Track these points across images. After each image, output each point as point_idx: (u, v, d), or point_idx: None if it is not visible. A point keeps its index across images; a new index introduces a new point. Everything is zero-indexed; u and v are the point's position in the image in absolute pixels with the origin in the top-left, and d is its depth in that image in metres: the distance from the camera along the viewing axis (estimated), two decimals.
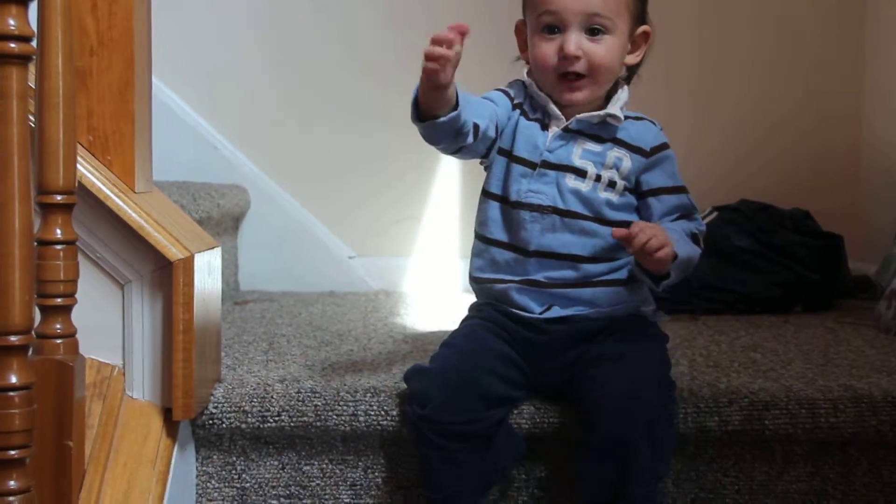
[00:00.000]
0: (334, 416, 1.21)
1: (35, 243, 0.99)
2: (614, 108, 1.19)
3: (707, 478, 1.23)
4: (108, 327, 1.16)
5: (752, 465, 1.23)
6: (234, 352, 1.42)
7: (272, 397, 1.21)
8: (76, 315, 1.04)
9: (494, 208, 1.21)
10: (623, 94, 1.21)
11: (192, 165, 2.05)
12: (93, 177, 1.12)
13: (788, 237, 1.92)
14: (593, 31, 1.16)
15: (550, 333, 1.18)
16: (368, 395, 1.21)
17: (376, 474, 1.24)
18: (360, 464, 1.24)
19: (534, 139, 1.19)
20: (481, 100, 1.20)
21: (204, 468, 1.23)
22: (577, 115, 1.18)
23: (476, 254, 1.24)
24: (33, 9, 0.87)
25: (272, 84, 2.17)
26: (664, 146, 1.21)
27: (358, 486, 1.24)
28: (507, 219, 1.20)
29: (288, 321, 1.73)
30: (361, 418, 1.21)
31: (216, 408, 1.20)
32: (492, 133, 1.18)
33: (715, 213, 1.97)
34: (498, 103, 1.20)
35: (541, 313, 1.18)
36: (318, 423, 1.21)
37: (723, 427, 1.20)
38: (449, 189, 2.19)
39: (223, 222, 1.94)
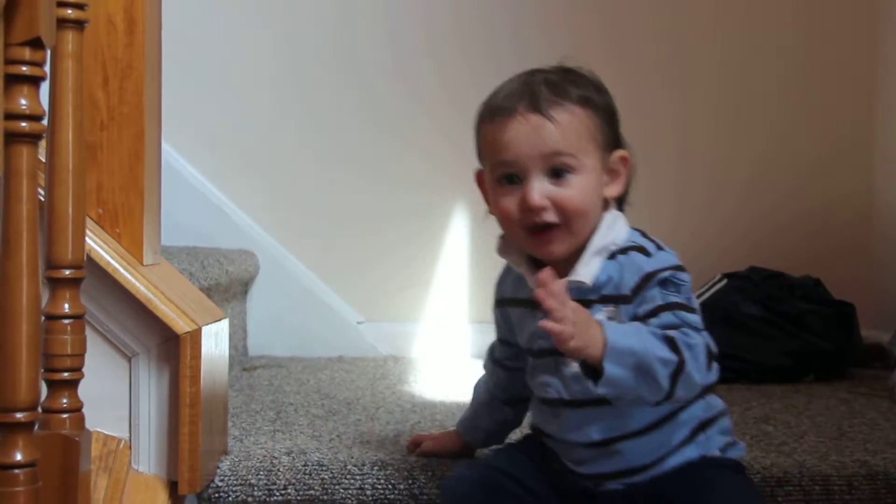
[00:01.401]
0: (341, 490, 1.19)
1: (43, 318, 1.00)
2: (578, 267, 1.01)
3: None
4: (114, 400, 1.15)
5: None
6: (241, 421, 1.41)
7: (279, 470, 1.20)
8: (83, 387, 1.03)
9: (534, 400, 1.12)
10: (598, 239, 1.02)
11: (200, 231, 2.06)
12: (101, 250, 1.12)
13: (799, 305, 1.91)
14: (557, 173, 1.00)
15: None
16: (376, 468, 1.20)
17: None
18: None
19: (526, 325, 1.08)
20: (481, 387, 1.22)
21: None
22: None
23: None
24: (45, 83, 0.88)
25: (280, 147, 2.18)
26: (648, 277, 1.00)
27: None
28: (539, 409, 1.11)
29: (296, 388, 1.72)
30: (369, 492, 1.19)
31: (222, 481, 1.19)
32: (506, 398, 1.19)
33: (724, 281, 1.97)
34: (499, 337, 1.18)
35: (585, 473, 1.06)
36: (325, 497, 1.19)
37: None
38: (458, 253, 2.19)
39: (232, 288, 1.94)
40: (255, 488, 1.19)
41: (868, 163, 2.21)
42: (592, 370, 0.95)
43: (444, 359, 2.12)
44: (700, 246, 2.04)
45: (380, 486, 1.19)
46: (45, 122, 0.87)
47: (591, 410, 1.03)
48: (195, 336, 1.12)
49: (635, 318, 0.99)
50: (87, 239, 1.05)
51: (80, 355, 1.01)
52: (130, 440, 1.16)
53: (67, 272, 1.00)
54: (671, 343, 0.95)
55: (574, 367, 1.00)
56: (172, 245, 1.76)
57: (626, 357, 0.94)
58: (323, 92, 2.18)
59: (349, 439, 1.31)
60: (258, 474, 1.20)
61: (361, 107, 2.19)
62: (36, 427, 0.87)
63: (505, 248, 1.08)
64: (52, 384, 1.01)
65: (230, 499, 1.19)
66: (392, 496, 1.19)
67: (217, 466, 1.20)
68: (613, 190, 1.05)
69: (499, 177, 1.03)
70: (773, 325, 1.89)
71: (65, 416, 1.01)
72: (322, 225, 2.18)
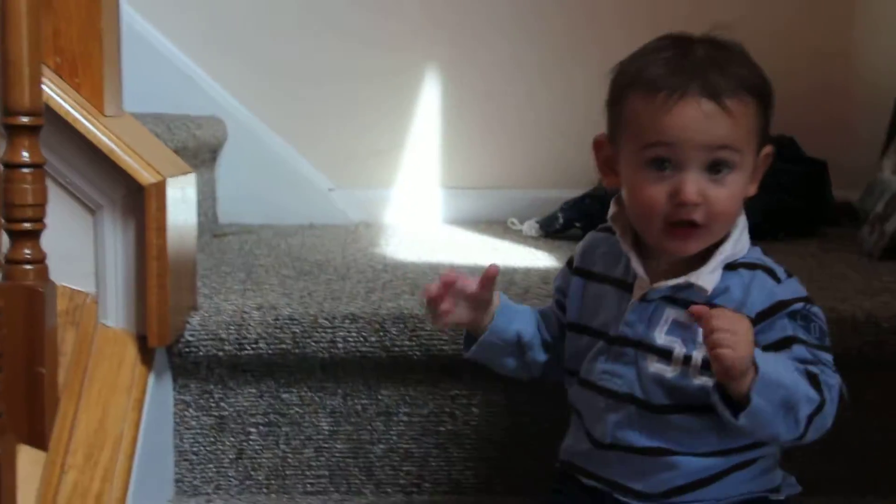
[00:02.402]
0: (312, 343, 1.19)
1: (1, 166, 0.97)
2: (703, 272, 0.92)
3: None
4: (80, 254, 1.14)
5: None
6: (211, 282, 1.40)
7: (249, 325, 1.19)
8: (47, 243, 1.01)
9: (576, 391, 1.01)
10: (728, 247, 0.93)
11: (168, 98, 1.99)
12: (60, 99, 1.09)
13: (773, 164, 1.90)
14: (716, 169, 0.89)
15: None
16: (347, 321, 1.20)
17: (356, 401, 1.23)
18: (339, 391, 1.23)
19: (608, 306, 0.98)
20: (528, 309, 1.06)
21: (181, 396, 1.22)
22: (656, 285, 0.93)
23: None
24: None
25: (248, 9, 2.11)
26: (780, 306, 0.91)
27: (337, 413, 1.23)
28: (581, 399, 1.00)
29: (266, 252, 1.70)
30: (340, 345, 1.19)
31: (192, 336, 1.19)
32: (545, 339, 1.05)
33: None
34: (555, 295, 1.06)
35: None
36: (297, 351, 1.20)
37: None
38: (430, 117, 2.15)
39: (200, 154, 1.90)
40: (226, 343, 1.19)
41: (847, 26, 2.17)
42: (728, 397, 0.86)
43: (416, 224, 2.11)
44: None
45: (351, 339, 1.20)
46: None
47: (662, 417, 0.93)
48: (160, 187, 1.10)
49: (757, 346, 0.88)
50: (45, 88, 1.03)
51: (42, 205, 0.99)
52: (98, 295, 1.14)
53: (25, 119, 0.98)
54: (814, 381, 0.87)
55: (658, 366, 0.93)
56: (138, 111, 1.71)
57: (775, 390, 0.85)
58: None
59: (320, 296, 1.30)
60: (228, 328, 1.19)
61: None
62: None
63: (617, 217, 0.98)
64: (13, 235, 0.99)
65: (200, 353, 1.19)
66: (364, 348, 1.20)
67: (187, 322, 1.19)
68: (752, 189, 0.95)
69: (648, 159, 0.90)
70: None
71: (28, 267, 0.99)
72: (292, 90, 2.12)
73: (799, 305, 0.92)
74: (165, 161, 1.17)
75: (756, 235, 1.83)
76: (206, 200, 1.99)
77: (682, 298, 0.92)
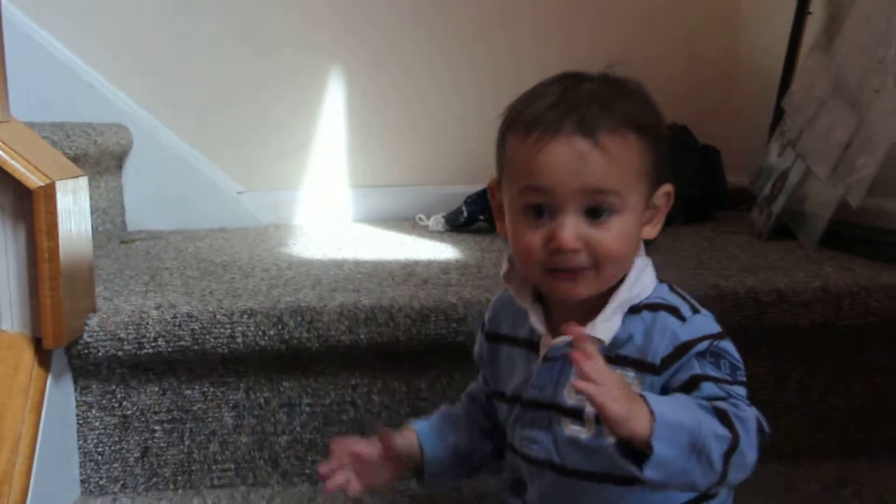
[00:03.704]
0: (212, 339, 1.21)
1: None
2: (598, 321, 0.87)
3: None
4: None
5: None
6: (113, 285, 1.41)
7: (148, 324, 1.21)
8: None
9: (510, 456, 0.97)
10: (623, 291, 0.87)
11: (68, 106, 1.99)
12: None
13: (669, 152, 1.96)
14: (596, 213, 0.84)
15: None
16: (245, 316, 1.22)
17: (258, 394, 1.25)
18: (241, 385, 1.25)
19: (519, 369, 0.94)
20: (448, 414, 1.03)
21: (83, 398, 1.23)
22: (556, 341, 0.89)
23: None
24: None
25: (149, 14, 2.11)
26: (684, 348, 0.85)
27: (241, 407, 1.25)
28: (514, 466, 0.97)
29: (173, 256, 1.71)
30: (239, 339, 1.21)
31: (91, 336, 1.19)
32: (483, 427, 1.02)
33: None
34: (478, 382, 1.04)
35: None
36: (196, 347, 1.21)
37: None
38: (336, 116, 2.17)
39: (103, 161, 1.91)
40: (125, 342, 1.20)
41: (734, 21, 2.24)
42: (632, 451, 0.78)
43: (325, 223, 2.13)
44: None
45: (250, 334, 1.22)
46: None
47: (585, 484, 0.89)
48: (49, 191, 1.11)
49: (666, 390, 0.85)
50: None
51: None
52: None
53: None
54: (723, 416, 0.80)
55: (572, 429, 0.88)
56: (37, 120, 1.71)
57: (677, 434, 0.77)
58: None
59: (221, 294, 1.32)
60: (127, 328, 1.20)
61: None
62: None
63: (511, 275, 0.93)
64: None
65: (100, 353, 1.20)
66: (263, 342, 1.22)
67: (85, 323, 1.20)
68: (652, 231, 0.90)
69: (525, 204, 0.86)
70: None
71: None
72: (196, 93, 2.13)
73: (704, 345, 0.85)
74: (55, 165, 1.18)
75: None
76: (114, 207, 1.99)
77: None
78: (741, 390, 0.84)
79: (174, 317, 1.21)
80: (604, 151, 0.83)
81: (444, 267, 1.51)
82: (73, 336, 1.17)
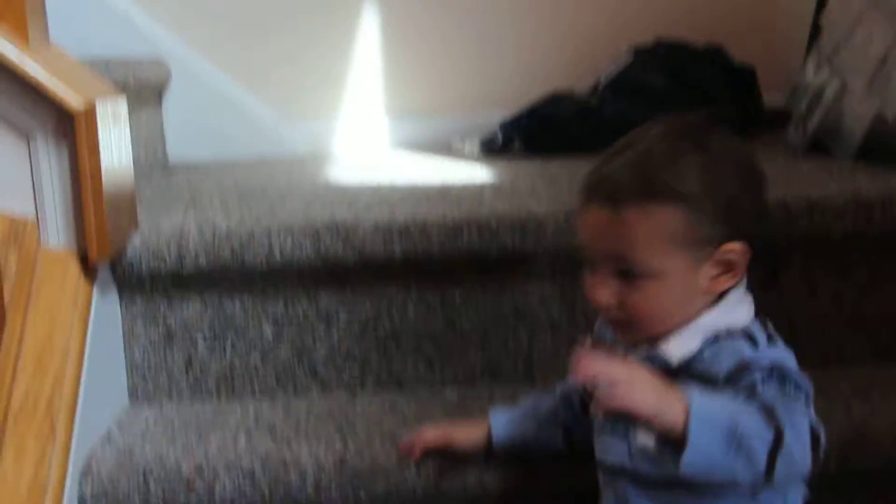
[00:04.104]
0: (251, 255, 1.25)
1: None
2: (671, 341, 0.89)
3: None
4: (17, 181, 1.18)
5: None
6: (154, 209, 1.44)
7: (189, 241, 1.24)
8: None
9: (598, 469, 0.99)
10: (709, 319, 0.89)
11: (105, 42, 2.01)
12: None
13: (702, 73, 1.96)
14: (627, 275, 0.88)
15: None
16: (283, 231, 1.25)
17: (297, 307, 1.29)
18: (280, 298, 1.28)
19: None
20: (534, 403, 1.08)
21: (128, 311, 1.27)
22: (635, 353, 0.92)
23: None
24: None
25: None
26: (746, 366, 0.85)
27: (280, 319, 1.29)
28: (599, 475, 0.99)
29: (213, 184, 1.75)
30: (277, 254, 1.25)
31: (133, 253, 1.23)
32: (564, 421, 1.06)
33: (632, 56, 2.00)
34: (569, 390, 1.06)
35: None
36: (236, 264, 1.25)
37: None
38: (372, 44, 2.18)
39: (143, 94, 1.93)
40: (167, 258, 1.24)
41: None
42: (674, 445, 0.81)
43: (362, 152, 2.16)
44: (602, 16, 2.07)
45: (287, 249, 1.25)
46: None
47: (656, 493, 0.90)
48: (90, 111, 1.14)
49: None
50: None
51: None
52: (38, 218, 1.19)
53: None
54: (768, 413, 0.81)
55: (643, 439, 0.89)
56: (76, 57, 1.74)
57: (714, 423, 0.80)
58: None
59: (259, 213, 1.35)
60: (169, 245, 1.24)
61: None
62: None
63: None
64: None
65: (143, 269, 1.24)
66: (300, 257, 1.25)
67: (128, 241, 1.24)
68: (723, 284, 0.89)
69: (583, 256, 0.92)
70: (677, 94, 1.94)
71: None
72: (233, 25, 2.14)
73: (766, 363, 0.85)
74: (93, 87, 1.21)
75: None
76: (155, 139, 2.02)
77: (661, 367, 0.88)
78: (801, 406, 0.84)
79: (213, 234, 1.25)
80: (624, 222, 0.86)
81: (478, 187, 1.53)
82: (117, 251, 1.21)
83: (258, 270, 1.26)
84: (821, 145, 1.67)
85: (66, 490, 1.06)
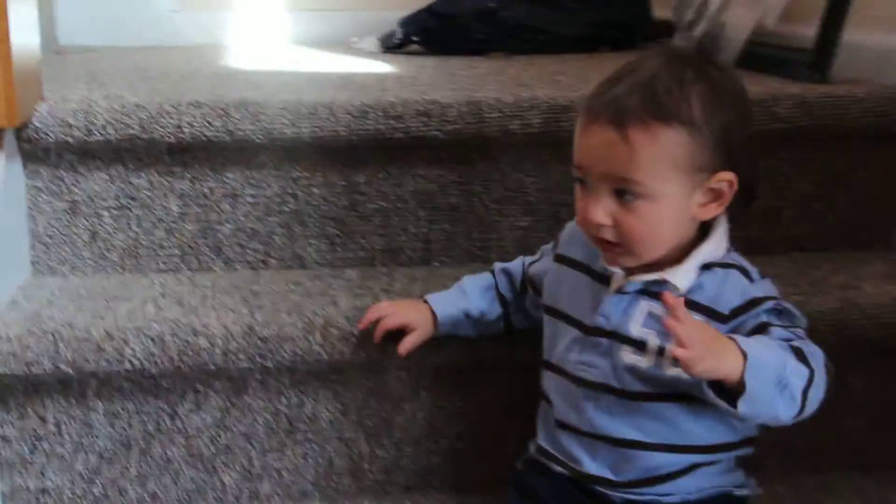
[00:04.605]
0: (159, 128, 1.25)
1: None
2: (679, 271, 0.94)
3: (511, 178, 1.35)
4: None
5: (550, 165, 1.35)
6: (56, 84, 1.42)
7: (96, 112, 1.24)
8: None
9: (549, 378, 1.04)
10: (707, 249, 0.95)
11: None
12: None
13: None
14: (623, 195, 0.91)
15: None
16: (192, 107, 1.26)
17: (203, 184, 1.30)
18: (186, 175, 1.30)
19: (584, 296, 1.00)
20: (479, 285, 1.12)
21: (33, 183, 1.27)
22: (631, 279, 0.96)
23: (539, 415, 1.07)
24: None
25: None
26: (755, 302, 0.93)
27: (186, 196, 1.30)
28: (554, 387, 1.03)
29: (110, 65, 1.73)
30: (186, 129, 1.26)
31: (40, 122, 1.23)
32: (503, 295, 1.12)
33: None
34: (512, 270, 1.13)
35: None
36: (144, 136, 1.25)
37: (524, 129, 1.31)
38: None
39: None
40: (74, 129, 1.24)
41: None
42: (722, 388, 0.87)
43: (259, 46, 2.15)
44: None
45: (196, 124, 1.26)
46: None
47: (645, 404, 0.96)
48: None
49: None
50: None
51: None
52: None
53: None
54: (799, 354, 0.89)
55: (633, 357, 0.95)
56: None
57: (766, 371, 0.86)
58: None
59: (164, 89, 1.36)
60: (76, 115, 1.24)
61: None
62: None
63: None
64: None
65: (50, 139, 1.24)
66: (209, 133, 1.26)
67: (35, 109, 1.23)
68: (710, 212, 0.93)
69: (575, 177, 0.95)
70: (574, 2, 2.00)
71: None
72: None
73: (772, 303, 0.93)
74: None
75: (581, 48, 1.97)
76: (43, 20, 1.97)
77: (656, 292, 0.93)
78: (803, 334, 0.93)
79: (122, 106, 1.25)
80: (630, 143, 0.89)
81: (381, 77, 1.56)
82: (24, 118, 1.20)
83: (165, 145, 1.27)
84: (705, 54, 1.76)
85: None
